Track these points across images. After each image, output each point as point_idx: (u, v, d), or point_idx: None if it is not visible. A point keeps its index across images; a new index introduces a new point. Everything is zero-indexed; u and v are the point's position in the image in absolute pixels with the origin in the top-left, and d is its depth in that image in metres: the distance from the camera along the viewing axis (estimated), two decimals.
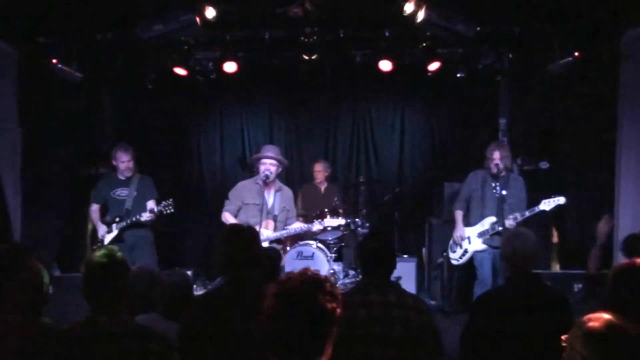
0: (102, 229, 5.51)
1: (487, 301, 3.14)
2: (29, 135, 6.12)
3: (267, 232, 5.12)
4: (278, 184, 5.35)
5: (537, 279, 3.04)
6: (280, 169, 5.28)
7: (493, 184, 5.28)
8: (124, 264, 2.29)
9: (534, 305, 2.89)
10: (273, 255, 3.90)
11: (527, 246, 3.04)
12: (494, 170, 5.24)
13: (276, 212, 5.22)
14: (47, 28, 5.91)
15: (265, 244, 5.03)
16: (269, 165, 5.14)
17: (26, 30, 5.83)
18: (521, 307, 2.89)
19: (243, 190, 5.24)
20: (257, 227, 4.83)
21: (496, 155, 5.23)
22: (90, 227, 5.98)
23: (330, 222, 5.54)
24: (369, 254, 2.83)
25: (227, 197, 5.40)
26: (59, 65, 5.88)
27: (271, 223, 5.17)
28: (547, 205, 5.09)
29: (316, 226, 5.40)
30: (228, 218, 5.15)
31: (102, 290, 2.21)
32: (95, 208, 5.65)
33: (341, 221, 5.69)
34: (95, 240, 5.57)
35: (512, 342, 2.85)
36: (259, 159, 5.24)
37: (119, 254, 2.32)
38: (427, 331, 2.70)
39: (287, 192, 5.42)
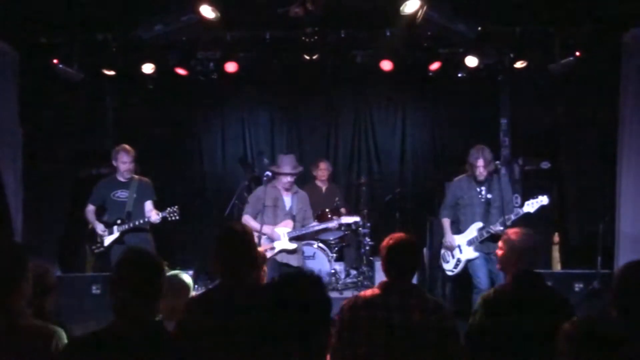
0: (100, 226, 5.49)
1: (490, 300, 3.14)
2: (30, 135, 6.13)
3: (285, 230, 5.38)
4: (295, 187, 5.62)
5: (539, 278, 3.03)
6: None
7: (478, 189, 5.22)
8: (159, 266, 2.22)
9: (536, 305, 2.89)
10: None
11: (527, 244, 3.04)
12: (480, 177, 5.17)
13: (295, 213, 5.50)
14: (48, 28, 5.92)
15: (285, 241, 5.37)
16: (290, 178, 5.43)
17: (27, 30, 5.84)
18: (523, 307, 2.88)
19: (263, 195, 5.44)
20: (274, 227, 5.33)
21: (480, 162, 5.11)
22: (88, 228, 5.97)
23: (347, 219, 6.00)
24: (392, 256, 2.82)
25: (229, 197, 5.50)
26: (60, 66, 5.89)
27: (290, 222, 5.45)
28: (530, 207, 4.99)
29: (332, 224, 5.80)
30: (249, 221, 5.37)
31: (136, 291, 2.11)
32: (91, 209, 5.61)
33: (356, 218, 6.17)
34: (94, 240, 5.55)
35: (514, 341, 2.85)
36: (279, 174, 5.46)
37: (157, 258, 2.25)
38: (447, 336, 2.68)
39: (303, 195, 5.70)
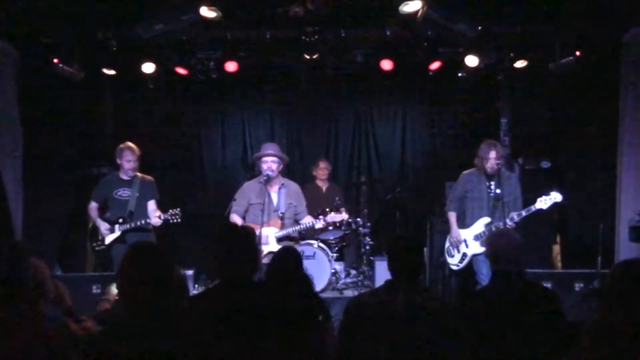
0: (104, 225, 5.49)
1: (473, 300, 3.19)
2: (30, 134, 6.13)
3: (271, 231, 5.10)
4: (281, 180, 5.31)
5: (521, 276, 3.07)
6: (281, 166, 5.26)
7: (487, 183, 5.20)
8: (167, 258, 2.25)
9: (520, 302, 2.92)
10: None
11: (510, 245, 3.07)
12: (490, 170, 5.14)
13: (283, 210, 5.19)
14: (48, 28, 5.91)
15: (272, 243, 5.05)
16: (270, 163, 5.13)
17: (28, 30, 5.84)
18: (508, 305, 2.92)
19: (248, 191, 5.24)
20: (260, 227, 4.86)
21: (492, 155, 5.08)
22: (89, 225, 5.97)
23: (333, 217, 5.45)
24: (398, 254, 2.83)
25: (229, 197, 5.41)
26: (60, 65, 5.88)
27: (278, 221, 5.15)
28: (543, 203, 4.97)
29: (318, 224, 5.28)
30: (235, 219, 5.15)
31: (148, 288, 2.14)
32: (94, 206, 5.61)
33: (344, 216, 5.59)
34: (96, 238, 5.55)
35: (501, 339, 2.87)
36: (260, 157, 5.22)
37: (160, 249, 2.29)
38: (451, 335, 2.69)
39: (293, 187, 5.37)
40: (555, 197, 4.96)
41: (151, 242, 2.32)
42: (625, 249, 5.77)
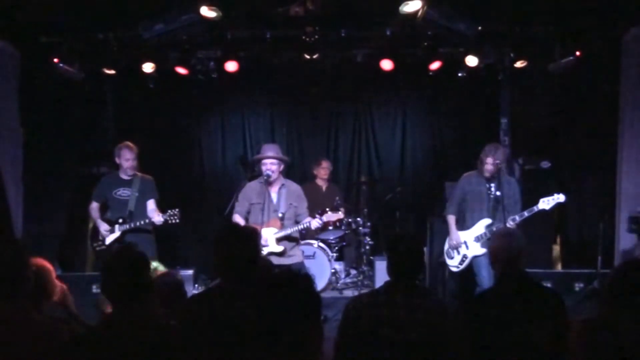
0: (103, 226, 5.49)
1: (479, 301, 3.18)
2: (30, 134, 6.13)
3: (271, 231, 5.07)
4: (281, 180, 5.26)
5: (526, 276, 3.06)
6: (282, 167, 5.26)
7: (487, 185, 5.20)
8: (143, 258, 2.32)
9: (525, 303, 2.92)
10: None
11: (514, 245, 3.06)
12: (486, 174, 5.14)
13: (283, 210, 5.16)
14: (49, 27, 5.92)
15: (272, 243, 5.04)
16: (269, 165, 5.11)
17: (28, 29, 5.84)
18: (513, 306, 2.91)
19: (250, 191, 5.23)
20: (260, 227, 4.85)
21: (489, 160, 5.09)
22: (90, 225, 5.97)
23: (330, 216, 5.33)
24: (397, 255, 2.83)
25: (229, 197, 5.41)
26: (61, 65, 5.89)
27: (277, 222, 5.12)
28: (546, 204, 4.96)
29: (314, 222, 5.11)
30: (238, 220, 5.14)
31: (123, 285, 2.22)
32: (95, 206, 5.61)
33: (340, 215, 5.49)
34: (96, 238, 5.55)
35: (506, 339, 2.86)
36: (260, 159, 5.23)
37: (137, 248, 2.36)
38: (450, 337, 2.70)
39: (293, 188, 5.30)
40: (559, 197, 4.95)
41: (129, 246, 2.39)
42: (625, 249, 5.77)
